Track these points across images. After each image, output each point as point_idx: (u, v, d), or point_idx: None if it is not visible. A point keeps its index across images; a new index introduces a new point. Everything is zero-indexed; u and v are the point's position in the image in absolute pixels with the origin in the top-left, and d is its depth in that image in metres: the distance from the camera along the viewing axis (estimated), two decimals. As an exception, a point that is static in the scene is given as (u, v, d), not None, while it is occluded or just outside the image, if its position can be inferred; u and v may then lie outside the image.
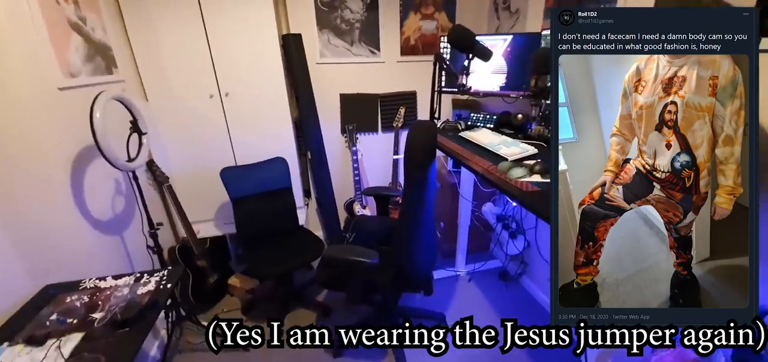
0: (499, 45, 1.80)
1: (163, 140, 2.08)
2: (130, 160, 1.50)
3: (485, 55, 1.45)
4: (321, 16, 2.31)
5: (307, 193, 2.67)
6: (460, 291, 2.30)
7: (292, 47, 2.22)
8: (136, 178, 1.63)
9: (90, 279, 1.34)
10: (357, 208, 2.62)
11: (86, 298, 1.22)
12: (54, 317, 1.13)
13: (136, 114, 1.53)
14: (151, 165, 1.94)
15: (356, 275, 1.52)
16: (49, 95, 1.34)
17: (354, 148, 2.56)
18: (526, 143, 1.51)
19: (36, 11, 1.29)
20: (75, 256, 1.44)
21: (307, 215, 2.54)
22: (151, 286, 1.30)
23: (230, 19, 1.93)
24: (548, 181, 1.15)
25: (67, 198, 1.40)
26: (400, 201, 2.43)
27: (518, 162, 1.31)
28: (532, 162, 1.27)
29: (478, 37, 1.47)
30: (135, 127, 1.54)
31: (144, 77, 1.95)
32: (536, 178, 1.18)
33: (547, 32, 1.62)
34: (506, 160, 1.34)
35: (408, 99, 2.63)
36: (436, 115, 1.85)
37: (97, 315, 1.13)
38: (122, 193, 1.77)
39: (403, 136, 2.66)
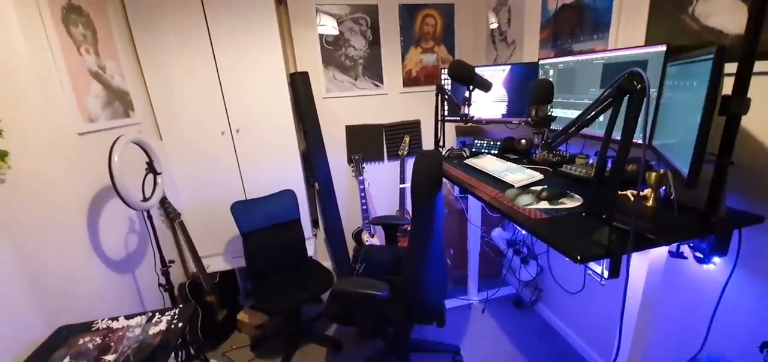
0: (498, 75, 1.85)
1: (175, 177, 2.13)
2: (145, 199, 1.54)
3: (485, 86, 1.49)
4: (326, 54, 2.41)
5: (315, 224, 2.68)
6: (474, 321, 2.24)
7: (299, 84, 2.30)
8: (150, 217, 1.67)
9: (102, 320, 1.34)
10: (365, 237, 2.62)
11: (99, 340, 1.23)
12: (67, 360, 1.14)
13: (152, 155, 1.58)
14: (163, 201, 1.98)
15: (367, 308, 1.50)
16: (69, 140, 1.40)
17: (361, 177, 2.59)
18: (531, 169, 1.53)
19: (60, 62, 1.38)
20: (88, 296, 1.46)
21: (315, 246, 2.54)
22: (162, 326, 1.30)
23: (241, 60, 2.03)
24: (556, 207, 1.16)
25: (81, 238, 1.43)
26: (409, 230, 2.43)
27: (525, 188, 1.32)
28: (538, 188, 1.28)
29: (478, 69, 1.52)
30: (151, 168, 1.59)
31: (159, 118, 2.03)
32: (544, 204, 1.18)
33: (544, 61, 1.67)
34: (513, 186, 1.35)
35: (412, 128, 2.68)
36: (441, 143, 1.88)
37: (110, 357, 1.13)
38: (135, 231, 1.81)
39: (409, 163, 2.69)
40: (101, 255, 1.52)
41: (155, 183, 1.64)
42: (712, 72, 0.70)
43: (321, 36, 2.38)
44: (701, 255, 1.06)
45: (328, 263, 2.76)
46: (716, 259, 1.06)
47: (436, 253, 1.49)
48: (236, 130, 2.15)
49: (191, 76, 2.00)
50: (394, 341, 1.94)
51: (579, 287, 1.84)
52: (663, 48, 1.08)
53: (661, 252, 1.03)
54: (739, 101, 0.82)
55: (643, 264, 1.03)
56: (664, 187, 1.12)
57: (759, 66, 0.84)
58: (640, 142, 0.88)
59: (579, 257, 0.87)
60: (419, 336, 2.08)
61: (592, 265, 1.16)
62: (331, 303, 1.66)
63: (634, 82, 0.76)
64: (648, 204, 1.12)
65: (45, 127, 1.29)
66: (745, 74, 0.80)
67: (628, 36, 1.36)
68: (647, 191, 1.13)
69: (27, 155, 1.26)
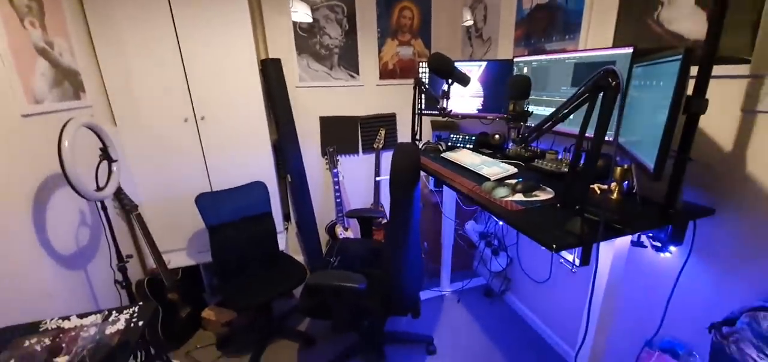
0: (474, 70, 1.88)
1: (131, 167, 1.98)
2: (99, 189, 1.41)
3: (463, 80, 1.51)
4: (300, 42, 2.33)
5: (286, 217, 2.61)
6: (447, 311, 2.29)
7: (271, 71, 2.21)
8: (104, 208, 1.53)
9: (52, 320, 1.21)
10: (339, 231, 2.58)
11: (48, 341, 1.11)
12: (9, 365, 1.02)
13: (106, 141, 1.45)
14: (118, 193, 1.83)
15: (343, 301, 1.48)
16: (12, 123, 1.25)
17: (335, 170, 2.54)
18: (505, 163, 1.57)
19: (0, 36, 1.22)
20: (33, 295, 1.32)
21: (286, 240, 2.47)
22: (120, 325, 1.20)
23: (207, 41, 1.91)
24: (530, 199, 1.20)
25: (26, 230, 1.29)
26: (386, 223, 2.43)
27: (500, 181, 1.36)
28: (513, 181, 1.31)
29: (455, 64, 1.54)
30: (105, 155, 1.46)
31: (113, 102, 1.87)
32: (519, 197, 1.22)
33: (518, 59, 1.72)
34: (489, 179, 1.38)
35: (388, 121, 2.67)
36: (418, 137, 1.89)
37: (61, 359, 1.02)
38: (87, 224, 1.66)
39: (384, 157, 2.69)
40: (49, 249, 1.38)
41: (110, 172, 1.51)
42: (680, 71, 0.75)
43: (295, 22, 2.29)
44: (659, 244, 1.15)
45: (299, 257, 2.70)
46: (672, 248, 1.14)
47: (414, 245, 1.49)
48: (201, 117, 2.03)
49: (150, 57, 1.86)
50: (368, 333, 1.94)
51: (545, 277, 1.93)
52: (630, 50, 1.15)
53: (624, 241, 1.10)
54: (699, 101, 0.88)
55: (608, 252, 1.09)
56: (627, 181, 1.20)
57: (714, 70, 0.91)
58: (610, 139, 0.94)
59: (554, 246, 0.90)
60: (393, 328, 2.09)
61: (565, 254, 1.21)
62: (305, 297, 1.62)
63: (609, 79, 0.80)
64: (612, 197, 1.19)
65: (-21, 105, 1.14)
66: (705, 75, 0.87)
67: (597, 37, 1.43)
68: (612, 184, 1.20)
69: (-43, 136, 1.11)
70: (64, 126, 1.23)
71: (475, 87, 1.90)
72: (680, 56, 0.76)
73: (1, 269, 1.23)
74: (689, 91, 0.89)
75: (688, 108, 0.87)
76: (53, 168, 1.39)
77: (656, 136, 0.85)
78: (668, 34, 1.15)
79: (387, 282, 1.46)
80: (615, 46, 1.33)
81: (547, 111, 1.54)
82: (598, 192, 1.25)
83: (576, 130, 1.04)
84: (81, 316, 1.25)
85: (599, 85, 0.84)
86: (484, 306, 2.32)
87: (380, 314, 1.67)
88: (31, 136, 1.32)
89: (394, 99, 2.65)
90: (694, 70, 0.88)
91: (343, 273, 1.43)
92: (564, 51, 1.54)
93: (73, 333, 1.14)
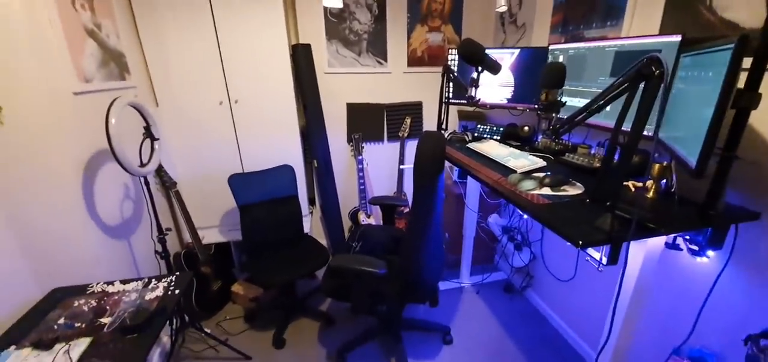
0: (506, 58, 1.82)
1: (170, 145, 2.09)
2: (142, 165, 1.51)
3: (494, 68, 1.47)
4: (330, 27, 2.35)
5: (311, 201, 2.68)
6: (465, 302, 2.29)
7: (301, 57, 2.25)
8: (147, 183, 1.64)
9: (98, 284, 1.33)
10: (362, 217, 2.62)
11: (94, 303, 1.22)
12: (62, 321, 1.13)
13: (149, 120, 1.54)
14: (159, 170, 1.95)
15: (363, 285, 1.51)
16: (64, 100, 1.36)
17: (360, 157, 2.57)
18: (533, 155, 1.53)
19: (54, 16, 1.32)
20: (82, 260, 1.44)
21: (311, 223, 2.54)
22: (159, 292, 1.29)
23: (242, 28, 1.97)
24: (558, 194, 1.16)
25: (76, 200, 1.41)
26: (408, 212, 2.44)
27: (527, 174, 1.32)
28: (541, 174, 1.28)
29: (486, 51, 1.49)
30: (148, 133, 1.55)
31: (155, 83, 1.98)
32: (546, 190, 1.18)
33: (554, 47, 1.64)
34: (515, 172, 1.35)
35: (414, 109, 2.65)
36: (444, 126, 1.87)
37: (106, 320, 1.13)
38: (131, 198, 1.78)
39: (408, 145, 2.68)
40: (96, 219, 1.50)
41: (152, 149, 1.61)
42: (731, 60, 0.70)
43: (325, 7, 2.31)
44: (696, 248, 1.08)
45: (323, 240, 2.77)
46: (710, 252, 1.08)
47: (435, 235, 1.49)
48: (235, 100, 2.10)
49: (189, 41, 1.94)
50: (386, 318, 1.97)
51: (570, 275, 1.88)
52: (678, 38, 1.07)
53: (658, 242, 1.05)
54: (751, 95, 0.81)
55: (639, 253, 1.05)
56: (665, 180, 1.13)
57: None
58: (648, 134, 0.89)
59: (581, 242, 0.88)
60: (411, 315, 2.12)
61: (591, 252, 1.17)
62: (327, 278, 1.67)
63: (653, 68, 0.75)
64: (648, 196, 1.13)
65: (39, 83, 1.24)
66: (759, 67, 0.80)
67: (642, 24, 1.34)
68: (648, 182, 1.14)
69: (21, 111, 1.22)
70: (111, 104, 1.32)
71: (506, 76, 1.84)
72: (733, 44, 0.70)
73: (55, 235, 1.36)
74: (741, 84, 0.83)
75: (738, 102, 0.81)
76: (100, 144, 1.50)
77: (700, 131, 0.80)
78: (721, 23, 1.06)
79: (407, 269, 1.48)
80: (662, 33, 1.25)
81: (583, 102, 1.47)
82: (633, 189, 1.19)
83: (613, 124, 0.99)
84: (124, 282, 1.36)
85: (641, 74, 0.79)
86: (504, 301, 2.29)
87: (398, 300, 1.69)
88: (81, 113, 1.43)
89: (421, 87, 2.62)
90: (747, 63, 0.81)
91: (365, 258, 1.46)
92: (604, 38, 1.46)
93: (116, 297, 1.25)
